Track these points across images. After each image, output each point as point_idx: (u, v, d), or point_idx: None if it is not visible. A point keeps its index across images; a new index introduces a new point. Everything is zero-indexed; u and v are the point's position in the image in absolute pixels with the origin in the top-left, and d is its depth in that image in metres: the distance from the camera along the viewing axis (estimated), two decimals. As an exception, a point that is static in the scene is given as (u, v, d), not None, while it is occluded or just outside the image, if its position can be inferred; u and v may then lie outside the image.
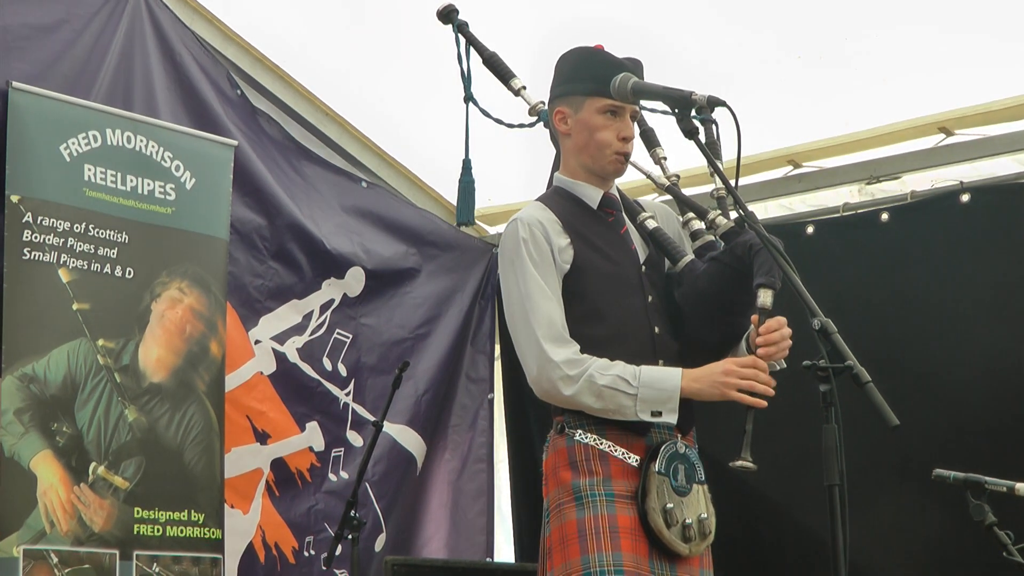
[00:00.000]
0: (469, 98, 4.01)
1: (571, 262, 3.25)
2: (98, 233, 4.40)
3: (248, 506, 5.13)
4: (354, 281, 5.61)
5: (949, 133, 4.99)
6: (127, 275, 4.46)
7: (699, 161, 3.43)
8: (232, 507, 5.02)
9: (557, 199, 3.37)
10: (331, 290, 5.53)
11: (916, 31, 4.69)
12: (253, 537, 5.13)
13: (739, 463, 3.02)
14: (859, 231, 5.04)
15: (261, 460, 5.21)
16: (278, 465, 5.27)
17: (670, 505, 3.13)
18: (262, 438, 5.20)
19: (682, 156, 3.75)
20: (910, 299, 4.89)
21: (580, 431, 3.20)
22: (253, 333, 5.23)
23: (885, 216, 4.99)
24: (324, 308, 5.50)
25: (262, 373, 5.24)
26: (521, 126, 3.92)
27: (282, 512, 5.26)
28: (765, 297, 3.08)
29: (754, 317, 3.11)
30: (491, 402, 6.08)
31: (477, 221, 6.03)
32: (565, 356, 3.16)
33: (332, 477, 5.44)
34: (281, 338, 5.33)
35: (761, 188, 5.36)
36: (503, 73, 3.90)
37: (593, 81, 3.29)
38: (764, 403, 3.09)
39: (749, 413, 3.07)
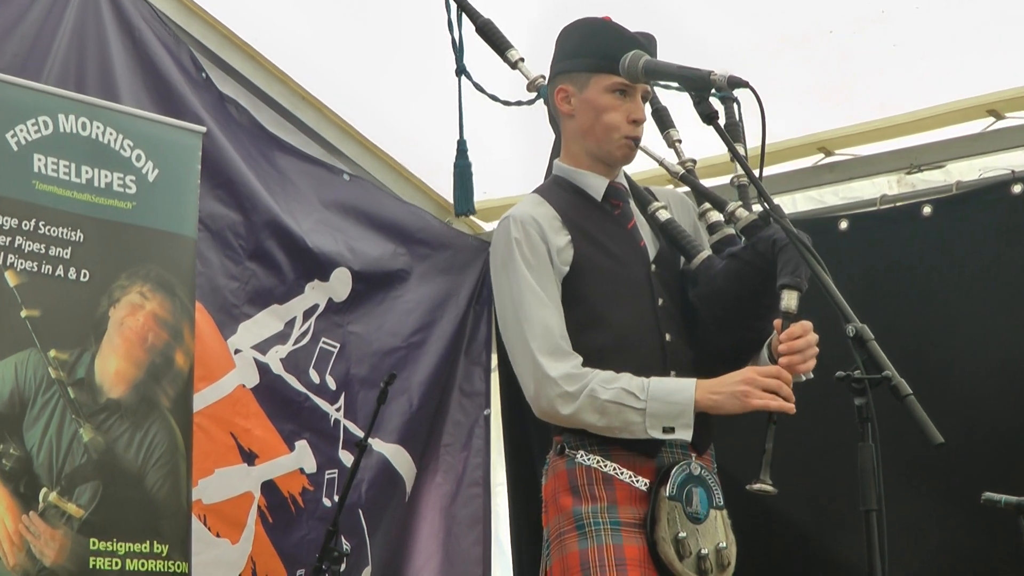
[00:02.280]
0: (461, 71, 4.00)
1: (571, 263, 3.23)
2: (49, 231, 4.36)
3: (238, 535, 5.10)
4: (339, 284, 5.59)
5: (999, 116, 4.97)
6: (82, 278, 4.43)
7: (718, 149, 3.42)
8: (218, 535, 4.99)
9: (556, 190, 3.35)
10: (315, 294, 5.51)
11: (958, 6, 4.67)
12: (243, 570, 5.10)
13: (757, 486, 3.00)
14: (898, 226, 5.03)
15: (250, 483, 5.19)
16: (269, 488, 5.25)
17: (683, 534, 3.10)
18: (249, 458, 5.18)
19: (699, 142, 3.74)
20: (955, 302, 4.87)
21: (582, 452, 3.18)
22: (232, 342, 5.20)
23: (927, 209, 4.97)
24: (308, 314, 5.48)
25: (244, 386, 5.22)
26: (519, 103, 3.91)
27: (275, 541, 5.23)
28: (789, 299, 3.05)
29: (777, 322, 3.09)
30: (487, 419, 6.04)
31: (472, 216, 6.02)
32: (563, 371, 3.14)
33: (326, 502, 5.41)
34: (263, 347, 5.31)
35: (789, 179, 5.34)
36: (498, 43, 3.88)
37: (601, 56, 3.27)
38: (793, 408, 3.06)
39: (770, 430, 3.05)
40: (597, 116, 3.29)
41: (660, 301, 3.27)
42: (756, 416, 3.10)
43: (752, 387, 3.08)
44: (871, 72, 4.99)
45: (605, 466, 3.16)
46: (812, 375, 3.18)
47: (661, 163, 3.56)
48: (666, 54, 3.33)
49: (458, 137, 4.05)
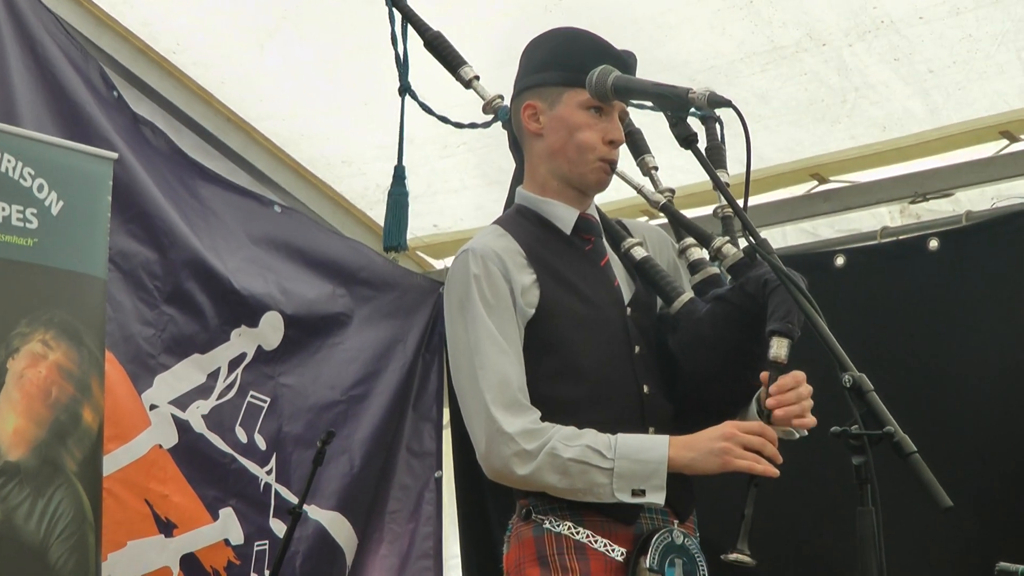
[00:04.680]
0: (405, 89, 3.99)
1: (536, 305, 3.22)
2: (-61, 272, 4.36)
3: (154, 617, 5.09)
4: (270, 330, 5.57)
5: (1013, 139, 5.00)
6: (-24, 325, 4.42)
7: (697, 176, 3.43)
8: (131, 618, 4.97)
9: (520, 221, 3.34)
10: (242, 342, 5.49)
11: (969, 13, 4.70)
12: (156, 658, 5.10)
13: (733, 556, 3.00)
14: (901, 262, 5.05)
15: (168, 557, 5.16)
16: (189, 562, 5.22)
17: (664, 611, 3.11)
18: (167, 528, 5.15)
19: (676, 168, 3.75)
20: (965, 347, 4.88)
21: (552, 517, 3.17)
22: (147, 396, 5.18)
23: (934, 243, 4.99)
24: (234, 364, 5.46)
25: (161, 447, 5.20)
26: (473, 126, 3.90)
27: (196, 624, 5.22)
28: (779, 348, 3.05)
29: (764, 374, 3.08)
30: (438, 482, 6.03)
31: (420, 253, 6.03)
32: (521, 426, 3.12)
33: (255, 578, 5.40)
34: (182, 402, 5.29)
35: (778, 209, 5.36)
36: (450, 59, 3.88)
37: (575, 69, 3.26)
38: (776, 472, 3.06)
39: (750, 493, 3.05)
40: (570, 135, 3.28)
41: (637, 349, 3.27)
42: (743, 480, 3.09)
43: (733, 444, 3.08)
44: (870, 89, 5.01)
45: (577, 533, 3.15)
46: (807, 433, 3.18)
47: (640, 191, 3.56)
48: (643, 66, 3.34)
49: (396, 163, 4.04)
